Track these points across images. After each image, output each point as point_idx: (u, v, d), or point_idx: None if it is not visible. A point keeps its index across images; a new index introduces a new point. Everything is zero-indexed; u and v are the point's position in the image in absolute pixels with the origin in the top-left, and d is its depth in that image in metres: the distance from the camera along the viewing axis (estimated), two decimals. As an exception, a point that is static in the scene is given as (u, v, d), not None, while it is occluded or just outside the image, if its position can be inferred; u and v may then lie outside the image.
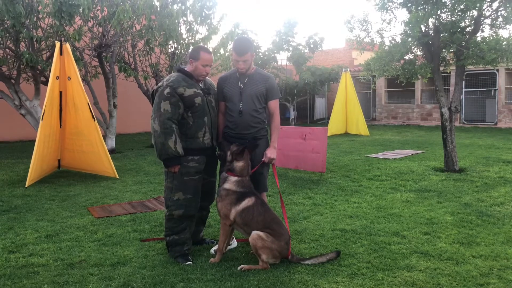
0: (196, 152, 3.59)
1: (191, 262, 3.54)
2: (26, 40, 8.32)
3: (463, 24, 7.05)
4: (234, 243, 3.93)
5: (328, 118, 16.40)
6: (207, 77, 3.79)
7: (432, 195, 5.74)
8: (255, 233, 3.40)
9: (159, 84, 3.62)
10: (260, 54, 16.10)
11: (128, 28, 9.75)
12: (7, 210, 5.26)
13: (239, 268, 3.41)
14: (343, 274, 3.31)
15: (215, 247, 3.76)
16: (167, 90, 3.48)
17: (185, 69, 3.67)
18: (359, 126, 14.42)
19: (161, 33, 10.03)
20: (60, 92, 6.95)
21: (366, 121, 14.84)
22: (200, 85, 3.69)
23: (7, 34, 8.19)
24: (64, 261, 3.63)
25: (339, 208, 5.21)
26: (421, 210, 5.06)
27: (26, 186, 6.48)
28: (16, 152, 10.55)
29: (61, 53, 6.74)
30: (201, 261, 3.58)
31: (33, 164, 6.51)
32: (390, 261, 3.54)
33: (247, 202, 3.49)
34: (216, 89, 3.85)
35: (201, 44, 11.27)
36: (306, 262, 3.47)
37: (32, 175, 6.57)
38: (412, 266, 3.44)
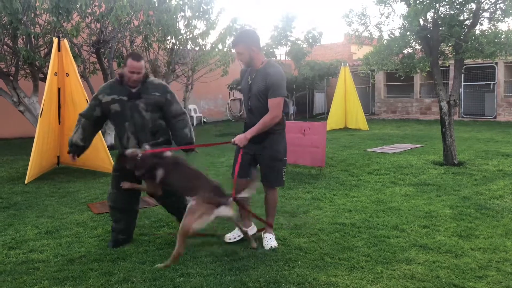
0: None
1: (113, 248, 3.74)
2: (24, 36, 8.30)
3: (461, 18, 7.03)
4: (253, 229, 3.95)
5: (328, 112, 16.38)
6: (154, 80, 3.83)
7: (431, 189, 5.75)
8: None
9: None
10: (259, 49, 16.06)
11: (126, 24, 9.71)
12: (7, 207, 5.27)
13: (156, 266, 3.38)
14: (343, 268, 3.32)
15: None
16: (94, 95, 3.81)
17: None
18: (359, 120, 14.41)
19: (159, 28, 10.00)
20: (59, 89, 6.93)
21: (365, 115, 14.82)
22: (133, 89, 3.71)
23: (5, 31, 8.17)
24: (64, 256, 3.64)
25: (338, 202, 5.22)
26: (420, 203, 5.07)
27: (26, 182, 6.48)
28: (15, 149, 10.54)
29: (59, 49, 6.72)
30: (201, 255, 3.59)
31: (32, 161, 6.51)
32: (389, 254, 3.56)
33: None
34: (161, 92, 3.76)
35: (199, 39, 11.24)
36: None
37: (31, 172, 6.57)
38: (411, 259, 3.45)
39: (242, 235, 3.84)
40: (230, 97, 19.82)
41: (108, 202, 3.95)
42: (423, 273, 3.20)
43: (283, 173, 3.81)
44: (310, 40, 16.66)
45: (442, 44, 7.49)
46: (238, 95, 18.71)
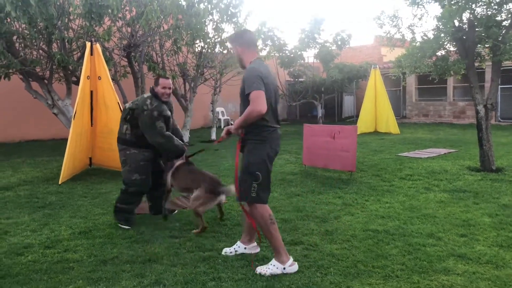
0: (149, 146, 4.62)
1: (130, 228, 4.44)
2: (58, 41, 8.51)
3: (499, 18, 6.79)
4: (256, 248, 3.76)
5: (357, 116, 16.15)
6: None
7: (468, 196, 5.54)
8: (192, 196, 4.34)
9: (143, 107, 4.47)
10: (287, 52, 15.98)
11: (156, 28, 9.84)
12: (43, 207, 5.40)
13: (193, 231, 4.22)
14: (377, 276, 3.22)
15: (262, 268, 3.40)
16: (156, 113, 4.46)
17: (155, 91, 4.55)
18: (389, 124, 14.13)
19: (188, 32, 10.09)
20: (91, 92, 7.07)
21: (396, 119, 14.52)
22: (167, 104, 4.66)
23: (40, 36, 8.40)
24: (97, 257, 3.68)
25: (370, 208, 5.10)
26: (457, 211, 4.89)
27: (60, 183, 6.64)
28: (49, 150, 10.84)
29: (91, 53, 6.85)
30: (232, 259, 3.57)
31: (66, 162, 6.65)
32: (425, 263, 3.43)
33: (175, 163, 4.65)
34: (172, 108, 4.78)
35: (228, 43, 11.29)
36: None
37: (65, 173, 6.72)
38: (450, 270, 3.32)
39: (240, 251, 3.69)
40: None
41: (132, 187, 4.59)
42: (462, 285, 3.06)
43: (252, 189, 3.32)
44: (339, 43, 16.45)
45: (479, 45, 7.24)
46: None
